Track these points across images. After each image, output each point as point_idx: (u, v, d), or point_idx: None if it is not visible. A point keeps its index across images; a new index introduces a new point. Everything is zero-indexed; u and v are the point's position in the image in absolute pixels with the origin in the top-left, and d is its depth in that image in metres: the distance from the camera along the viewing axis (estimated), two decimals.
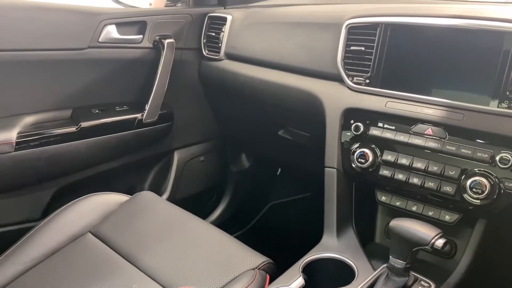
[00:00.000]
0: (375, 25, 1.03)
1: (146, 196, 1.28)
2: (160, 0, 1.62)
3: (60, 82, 1.29)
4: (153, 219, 1.18)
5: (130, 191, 1.33)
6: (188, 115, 1.62)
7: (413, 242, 0.79)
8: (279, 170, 1.97)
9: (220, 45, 1.46)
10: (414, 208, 0.99)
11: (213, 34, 1.48)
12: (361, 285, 0.86)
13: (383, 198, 1.04)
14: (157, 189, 1.59)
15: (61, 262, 1.05)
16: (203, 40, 1.51)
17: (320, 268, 0.96)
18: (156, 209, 1.23)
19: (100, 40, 1.31)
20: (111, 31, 1.33)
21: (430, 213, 0.97)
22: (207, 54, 1.51)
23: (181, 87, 1.55)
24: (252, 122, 1.59)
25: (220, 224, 1.80)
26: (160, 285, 0.96)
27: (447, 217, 0.95)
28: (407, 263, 0.82)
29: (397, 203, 1.02)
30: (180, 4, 1.60)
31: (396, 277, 0.83)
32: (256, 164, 1.87)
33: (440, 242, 0.78)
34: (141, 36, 1.40)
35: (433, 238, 0.78)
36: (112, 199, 1.26)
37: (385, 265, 0.88)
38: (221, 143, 1.75)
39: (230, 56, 1.45)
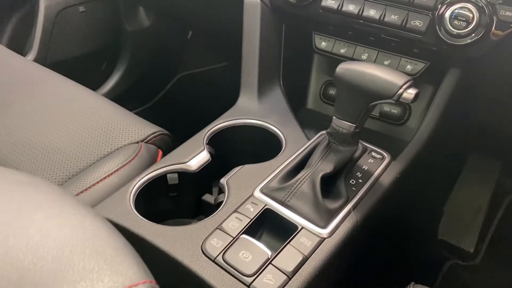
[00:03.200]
0: None
1: None
2: None
3: None
4: None
5: None
6: None
7: (370, 94, 0.52)
8: (190, 33, 1.59)
9: None
10: (364, 57, 0.72)
11: None
12: (291, 158, 0.60)
13: (323, 44, 0.75)
14: (18, 49, 1.16)
15: None
16: None
17: (234, 139, 0.68)
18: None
19: None
20: None
21: (386, 62, 0.71)
22: None
23: None
24: None
25: (114, 99, 1.44)
26: None
27: (409, 66, 0.69)
28: (357, 126, 0.55)
29: (342, 51, 0.73)
30: None
31: (341, 146, 0.57)
32: (160, 23, 1.48)
33: (410, 93, 0.51)
34: None
35: (401, 87, 0.51)
36: None
37: (324, 131, 0.62)
38: None
39: None
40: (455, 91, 0.68)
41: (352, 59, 0.73)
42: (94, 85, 1.40)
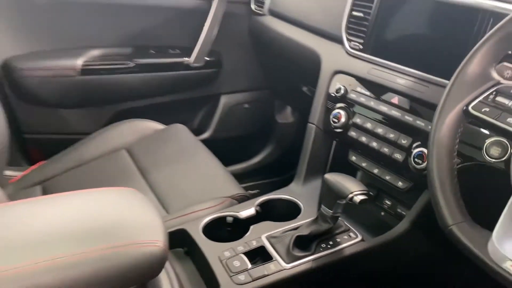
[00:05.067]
0: None
1: (177, 128, 1.51)
2: None
3: (123, 23, 1.55)
4: (173, 147, 1.41)
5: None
6: (237, 64, 1.78)
7: (336, 194, 0.89)
8: None
9: (265, 1, 1.58)
10: (375, 171, 1.06)
11: None
12: (296, 224, 0.99)
13: (353, 158, 1.11)
14: (202, 127, 1.82)
15: (95, 168, 1.34)
16: None
17: (276, 205, 1.10)
18: (179, 139, 1.45)
19: None
20: None
21: (387, 177, 1.03)
22: (254, 9, 1.64)
23: (231, 37, 1.71)
24: (289, 77, 1.69)
25: (261, 167, 1.97)
26: (157, 198, 1.19)
27: (400, 183, 1.00)
28: (334, 213, 0.92)
29: (363, 164, 1.09)
30: None
31: (323, 222, 0.93)
32: (302, 119, 1.98)
33: (358, 198, 0.86)
34: None
35: (352, 193, 0.86)
36: (151, 125, 1.51)
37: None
38: (268, 94, 1.89)
39: (272, 12, 1.56)
40: (426, 205, 0.95)
41: (368, 171, 1.07)
42: (246, 157, 1.97)
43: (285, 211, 1.08)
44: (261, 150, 2.00)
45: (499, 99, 0.65)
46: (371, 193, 0.89)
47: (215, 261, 0.90)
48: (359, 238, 0.96)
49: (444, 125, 0.66)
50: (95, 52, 1.53)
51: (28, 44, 1.45)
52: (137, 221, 0.71)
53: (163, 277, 0.83)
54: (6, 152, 1.24)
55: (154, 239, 0.67)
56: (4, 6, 1.40)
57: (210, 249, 0.93)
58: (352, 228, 0.98)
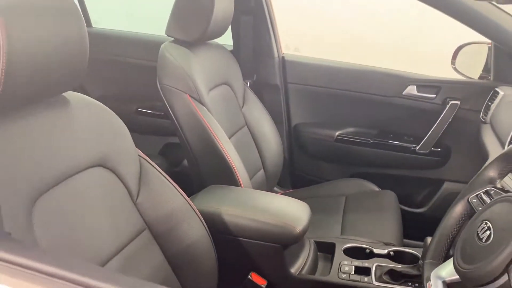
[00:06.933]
0: None
1: (387, 193, 2.01)
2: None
3: (375, 112, 2.21)
4: (376, 204, 1.93)
5: (402, 195, 2.07)
6: (464, 160, 2.10)
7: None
8: None
9: (488, 112, 1.89)
10: None
11: (490, 103, 1.92)
12: (408, 266, 1.37)
13: None
14: (420, 203, 2.22)
15: (320, 202, 2.02)
16: (483, 107, 1.97)
17: (403, 255, 1.46)
18: (385, 201, 1.95)
19: (403, 93, 2.11)
20: (412, 89, 2.10)
21: None
22: (481, 117, 1.96)
23: (462, 136, 2.08)
24: None
25: None
26: (342, 224, 1.77)
27: None
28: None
29: None
30: (490, 77, 2.07)
31: (416, 270, 1.29)
32: None
33: None
34: (434, 95, 2.08)
35: None
36: (370, 186, 2.08)
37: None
38: None
39: (491, 123, 1.86)
40: None
41: None
42: None
43: (407, 260, 1.46)
44: None
45: (483, 196, 0.95)
46: None
47: (336, 262, 1.42)
48: None
49: (459, 205, 1.01)
50: (349, 129, 2.25)
51: (310, 116, 2.31)
52: (296, 215, 1.37)
53: (302, 254, 1.43)
54: (278, 176, 2.11)
55: (297, 226, 1.31)
56: (303, 95, 2.31)
57: (339, 257, 1.45)
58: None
